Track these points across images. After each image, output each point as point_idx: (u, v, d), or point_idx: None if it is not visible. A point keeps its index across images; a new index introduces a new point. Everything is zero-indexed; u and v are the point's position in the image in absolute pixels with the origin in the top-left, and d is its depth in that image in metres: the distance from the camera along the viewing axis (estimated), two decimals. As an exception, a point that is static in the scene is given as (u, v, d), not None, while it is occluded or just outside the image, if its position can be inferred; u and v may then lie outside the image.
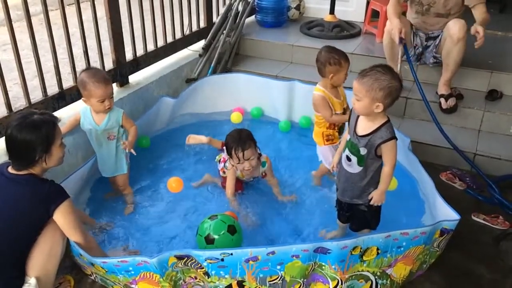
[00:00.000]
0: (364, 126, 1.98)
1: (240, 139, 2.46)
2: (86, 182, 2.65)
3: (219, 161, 2.82)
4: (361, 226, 2.22)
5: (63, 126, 2.54)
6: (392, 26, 3.14)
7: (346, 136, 2.17)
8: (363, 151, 1.98)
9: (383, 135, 1.92)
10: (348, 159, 2.06)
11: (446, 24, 3.21)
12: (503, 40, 4.28)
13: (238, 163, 2.49)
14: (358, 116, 2.01)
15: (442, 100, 3.35)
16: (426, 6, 3.30)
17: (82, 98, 2.41)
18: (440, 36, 3.32)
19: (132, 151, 2.52)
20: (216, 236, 2.15)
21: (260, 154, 2.62)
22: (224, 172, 2.77)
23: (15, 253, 1.92)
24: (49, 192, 1.93)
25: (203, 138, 3.04)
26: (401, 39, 3.07)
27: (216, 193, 2.76)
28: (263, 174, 2.68)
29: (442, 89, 3.37)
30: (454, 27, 3.11)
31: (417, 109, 3.43)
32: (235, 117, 3.47)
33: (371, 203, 2.06)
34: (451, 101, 3.32)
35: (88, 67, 2.55)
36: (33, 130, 1.90)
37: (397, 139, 1.95)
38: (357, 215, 2.19)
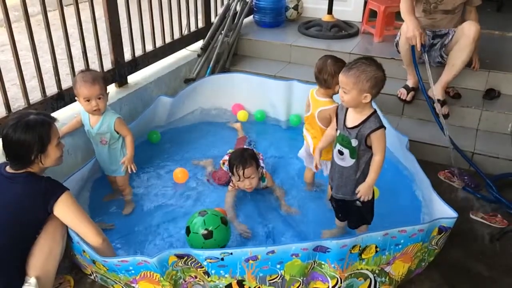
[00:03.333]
0: (353, 118, 2.03)
1: (242, 157, 2.52)
2: (86, 182, 2.65)
3: (228, 153, 2.88)
4: (358, 223, 2.24)
5: (63, 127, 2.55)
6: (410, 29, 2.96)
7: (328, 133, 2.25)
8: (354, 143, 2.02)
9: (371, 125, 1.97)
10: (340, 153, 2.09)
11: (461, 25, 3.17)
12: (500, 39, 4.29)
13: (239, 180, 2.53)
14: (346, 110, 2.06)
15: (438, 105, 3.23)
16: (433, 4, 3.26)
17: (75, 97, 2.43)
18: (450, 36, 3.26)
19: (133, 167, 2.49)
20: (213, 230, 2.16)
21: (262, 174, 2.67)
22: (224, 164, 2.85)
23: (15, 252, 1.92)
24: (44, 189, 1.94)
25: (237, 125, 3.41)
26: (422, 45, 2.93)
27: (218, 192, 2.76)
28: (264, 188, 2.72)
29: (439, 94, 3.30)
30: (471, 29, 3.05)
31: (416, 108, 3.44)
32: (242, 116, 3.49)
33: (358, 196, 2.07)
34: (446, 108, 3.29)
35: (87, 69, 2.55)
36: (27, 131, 1.91)
37: (385, 128, 2.00)
38: (353, 211, 2.20)
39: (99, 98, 2.34)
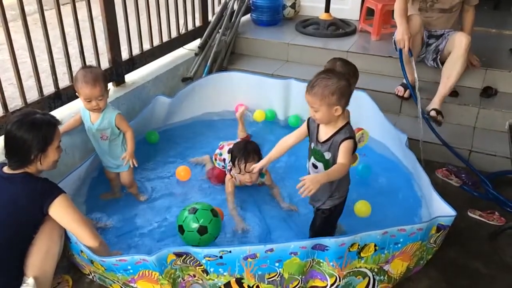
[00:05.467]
0: (325, 131, 2.00)
1: (245, 151, 2.49)
2: (83, 182, 2.65)
3: (220, 146, 2.86)
4: (318, 234, 2.16)
5: (62, 126, 2.54)
6: (399, 32, 3.06)
7: (282, 143, 2.16)
8: (327, 156, 1.99)
9: (342, 136, 1.95)
10: (315, 166, 2.06)
11: (452, 37, 3.19)
12: (497, 37, 4.31)
13: (239, 173, 2.50)
14: (318, 124, 2.03)
15: (433, 112, 3.22)
16: (430, 2, 3.25)
17: (76, 93, 2.43)
18: (444, 41, 3.28)
19: (134, 162, 2.52)
20: (207, 225, 2.17)
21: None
22: (216, 159, 2.84)
23: (13, 252, 1.92)
24: (41, 189, 1.94)
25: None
26: (410, 51, 2.99)
27: (218, 189, 2.77)
28: (260, 184, 2.71)
29: (437, 105, 3.23)
30: (462, 40, 3.10)
31: (413, 106, 3.43)
32: (258, 116, 3.46)
33: (300, 185, 1.86)
34: (440, 117, 3.22)
35: (88, 66, 2.54)
36: (32, 129, 1.91)
37: (356, 143, 1.98)
38: (317, 219, 2.17)
39: (100, 99, 2.36)
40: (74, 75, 2.61)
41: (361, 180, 2.82)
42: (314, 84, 1.91)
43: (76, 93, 2.41)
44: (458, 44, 3.13)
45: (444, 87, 3.23)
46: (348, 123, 2.00)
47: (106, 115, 2.44)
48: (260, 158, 2.56)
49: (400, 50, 3.17)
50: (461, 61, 3.13)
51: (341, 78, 1.91)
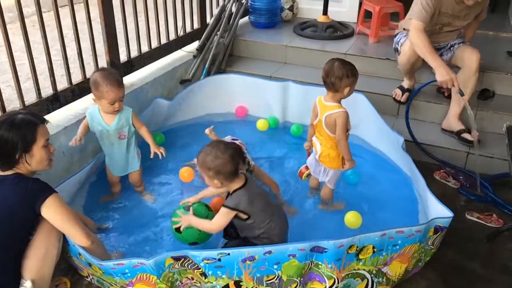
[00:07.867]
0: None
1: None
2: (82, 185, 2.64)
3: None
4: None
5: (80, 129, 2.49)
6: (444, 73, 2.80)
7: None
8: None
9: (225, 201, 2.02)
10: None
11: (461, 53, 3.10)
12: (494, 40, 4.32)
13: None
14: None
15: (466, 135, 3.09)
16: (439, 25, 3.12)
17: (92, 98, 2.40)
18: (450, 53, 3.19)
19: (163, 151, 2.51)
20: (205, 219, 2.17)
21: (248, 166, 2.56)
22: None
23: (9, 254, 1.91)
24: (32, 189, 1.92)
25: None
26: (460, 90, 2.84)
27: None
28: None
29: (457, 125, 3.15)
30: (472, 59, 3.00)
31: (411, 109, 3.44)
32: (261, 125, 3.42)
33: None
34: (475, 134, 3.05)
35: (102, 67, 2.53)
36: (11, 129, 1.89)
37: (242, 213, 2.01)
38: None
39: (121, 100, 2.37)
40: (72, 77, 2.61)
41: (354, 184, 2.82)
42: (199, 152, 2.00)
43: (93, 98, 2.38)
44: (468, 62, 3.03)
45: (458, 106, 3.16)
46: (240, 188, 2.02)
47: (121, 114, 2.43)
48: (243, 159, 2.43)
49: (408, 107, 3.13)
50: (474, 79, 3.04)
51: (219, 156, 1.94)
